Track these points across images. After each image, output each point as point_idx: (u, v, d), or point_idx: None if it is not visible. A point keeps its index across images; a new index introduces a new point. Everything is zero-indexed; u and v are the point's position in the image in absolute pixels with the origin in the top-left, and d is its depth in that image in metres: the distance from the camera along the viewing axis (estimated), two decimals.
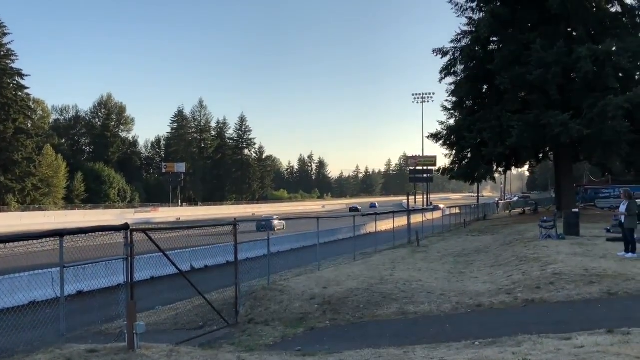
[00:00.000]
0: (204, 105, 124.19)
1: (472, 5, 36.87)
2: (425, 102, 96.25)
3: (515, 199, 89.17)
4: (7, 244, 6.43)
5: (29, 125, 76.95)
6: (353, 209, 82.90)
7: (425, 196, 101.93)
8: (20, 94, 74.88)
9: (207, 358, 6.71)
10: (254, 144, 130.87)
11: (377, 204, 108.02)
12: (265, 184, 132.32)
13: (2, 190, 69.71)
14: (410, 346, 6.97)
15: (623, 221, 13.94)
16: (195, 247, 19.03)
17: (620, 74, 31.17)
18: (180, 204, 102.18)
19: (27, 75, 75.11)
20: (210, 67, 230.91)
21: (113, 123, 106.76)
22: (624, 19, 34.42)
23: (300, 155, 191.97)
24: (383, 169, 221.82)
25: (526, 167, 54.72)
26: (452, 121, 38.98)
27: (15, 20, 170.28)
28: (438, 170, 46.66)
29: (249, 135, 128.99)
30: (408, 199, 62.99)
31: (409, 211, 29.61)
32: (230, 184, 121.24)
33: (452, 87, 38.44)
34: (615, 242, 15.75)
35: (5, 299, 10.20)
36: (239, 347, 8.32)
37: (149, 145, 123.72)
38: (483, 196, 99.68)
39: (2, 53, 72.79)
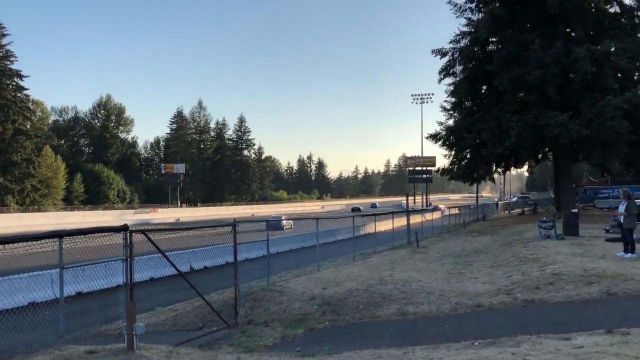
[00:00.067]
0: (203, 106, 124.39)
1: (471, 5, 36.91)
2: (424, 102, 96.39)
3: (515, 199, 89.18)
4: (7, 245, 6.42)
5: (28, 126, 76.93)
6: (355, 209, 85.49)
7: (424, 196, 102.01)
8: (19, 95, 74.86)
9: (206, 359, 6.71)
10: (253, 144, 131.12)
11: (377, 204, 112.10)
12: (264, 184, 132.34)
13: (1, 191, 69.66)
14: (410, 347, 6.97)
15: (622, 221, 13.94)
16: (194, 248, 19.02)
17: (619, 75, 31.17)
18: (179, 204, 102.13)
19: (26, 77, 75.21)
20: (210, 68, 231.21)
21: (112, 124, 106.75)
22: (622, 20, 34.43)
23: (300, 155, 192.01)
24: (382, 169, 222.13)
25: (525, 167, 54.67)
26: (451, 122, 39.04)
27: (14, 21, 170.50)
28: (437, 171, 46.68)
29: (248, 135, 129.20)
30: (407, 200, 62.95)
31: (408, 212, 29.62)
32: (230, 185, 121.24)
33: (451, 88, 38.48)
34: (615, 242, 15.76)
35: (4, 300, 10.20)
36: (238, 348, 8.32)
37: (148, 146, 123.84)
38: (482, 196, 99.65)
39: (1, 54, 72.78)
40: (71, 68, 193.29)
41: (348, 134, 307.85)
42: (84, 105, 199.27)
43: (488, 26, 33.09)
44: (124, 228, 7.40)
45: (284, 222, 39.11)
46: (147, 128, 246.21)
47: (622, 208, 14.02)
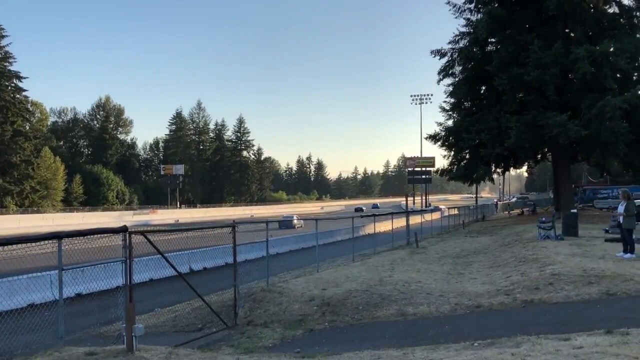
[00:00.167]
0: (202, 107, 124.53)
1: (470, 6, 36.98)
2: (423, 103, 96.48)
3: (514, 199, 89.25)
4: (6, 246, 6.41)
5: (27, 128, 76.89)
6: (358, 209, 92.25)
7: (423, 197, 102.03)
8: (18, 96, 74.83)
9: None
10: (253, 145, 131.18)
11: (378, 205, 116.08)
12: (263, 185, 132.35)
13: (0, 192, 69.61)
14: (410, 347, 6.96)
15: (621, 222, 13.94)
16: (193, 249, 19.00)
17: (618, 75, 31.23)
18: (178, 205, 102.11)
19: (25, 78, 75.24)
20: (209, 69, 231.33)
21: (111, 125, 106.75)
22: (621, 20, 34.48)
23: (299, 156, 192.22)
24: (381, 170, 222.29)
25: (524, 168, 54.73)
26: (450, 122, 39.10)
27: (13, 22, 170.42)
28: (437, 172, 46.71)
29: (248, 136, 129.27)
30: (407, 200, 62.81)
31: (407, 212, 29.60)
32: (229, 186, 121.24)
33: (451, 88, 38.54)
34: (614, 242, 15.77)
35: (3, 301, 10.19)
36: (237, 349, 8.31)
37: (148, 147, 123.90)
38: (482, 197, 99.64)
39: (0, 55, 72.74)
40: (70, 69, 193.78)
41: (347, 134, 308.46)
42: (83, 106, 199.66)
43: (487, 27, 33.13)
44: (123, 229, 7.39)
45: (295, 221, 41.66)
46: (146, 129, 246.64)
47: (621, 208, 14.02)
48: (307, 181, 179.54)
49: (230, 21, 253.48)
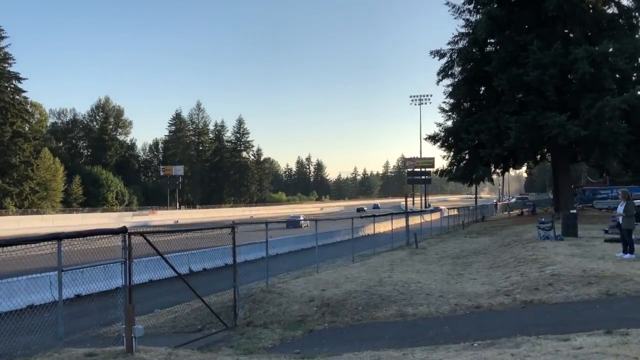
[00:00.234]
0: (201, 108, 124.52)
1: (469, 7, 37.00)
2: (422, 104, 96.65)
3: (513, 200, 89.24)
4: (5, 247, 6.40)
5: (27, 129, 76.84)
6: (360, 210, 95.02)
7: (423, 198, 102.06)
8: (17, 97, 74.79)
9: None
10: (252, 146, 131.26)
11: (379, 205, 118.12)
12: (263, 186, 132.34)
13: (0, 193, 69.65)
14: (409, 348, 6.96)
15: (621, 222, 13.95)
16: (193, 250, 19.00)
17: (617, 75, 31.25)
18: (178, 206, 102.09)
19: (24, 79, 75.21)
20: (208, 70, 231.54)
21: (111, 126, 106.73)
22: (620, 20, 34.50)
23: (298, 157, 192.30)
24: (381, 170, 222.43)
25: (524, 168, 54.73)
26: (449, 123, 39.13)
27: (13, 23, 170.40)
28: (436, 172, 46.71)
29: (247, 137, 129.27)
30: (406, 201, 62.87)
31: (407, 213, 29.63)
32: (229, 187, 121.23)
33: (450, 89, 38.56)
34: (613, 243, 15.78)
35: (3, 303, 10.19)
36: (237, 350, 8.30)
37: (147, 148, 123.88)
38: (481, 198, 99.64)
39: (0, 56, 72.70)
40: (69, 70, 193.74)
41: (347, 135, 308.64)
42: (83, 107, 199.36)
43: (486, 27, 33.15)
44: (122, 230, 7.39)
45: (302, 221, 43.74)
46: (146, 130, 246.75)
47: (620, 209, 14.03)
48: (307, 182, 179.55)
49: (229, 22, 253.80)
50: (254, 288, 12.52)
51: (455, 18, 37.74)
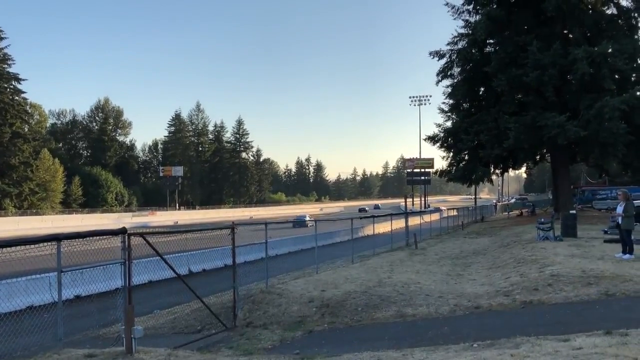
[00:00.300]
0: (201, 108, 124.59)
1: (468, 7, 37.00)
2: (422, 104, 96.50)
3: (513, 200, 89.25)
4: (4, 248, 6.40)
5: (26, 130, 76.87)
6: (362, 210, 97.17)
7: (422, 198, 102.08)
8: (17, 98, 74.82)
9: None
10: (252, 147, 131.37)
11: (380, 206, 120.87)
12: (262, 187, 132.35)
13: None
14: (409, 349, 6.96)
15: (620, 222, 13.95)
16: (193, 250, 19.01)
17: (617, 76, 31.24)
18: (177, 207, 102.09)
19: (24, 80, 75.28)
20: (208, 71, 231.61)
21: (110, 127, 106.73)
22: (619, 21, 34.52)
23: (298, 158, 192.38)
24: (380, 171, 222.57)
25: (523, 169, 54.78)
26: (449, 123, 39.14)
27: (12, 23, 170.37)
28: (435, 173, 46.71)
29: (247, 138, 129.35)
30: (405, 202, 63.05)
31: (406, 213, 29.66)
32: (228, 187, 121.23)
33: (449, 90, 38.57)
34: (613, 243, 15.78)
35: (2, 304, 10.19)
36: (237, 351, 8.31)
37: (147, 149, 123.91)
38: (480, 198, 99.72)
39: None
40: (69, 72, 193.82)
41: (346, 136, 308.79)
42: (82, 108, 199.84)
43: (485, 28, 33.15)
44: (122, 231, 7.39)
45: (308, 221, 46.13)
46: (145, 131, 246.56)
47: (620, 209, 14.02)
48: (306, 182, 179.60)
49: (229, 23, 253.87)
50: (254, 289, 12.52)
51: (455, 19, 37.80)
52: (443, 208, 63.01)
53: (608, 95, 29.03)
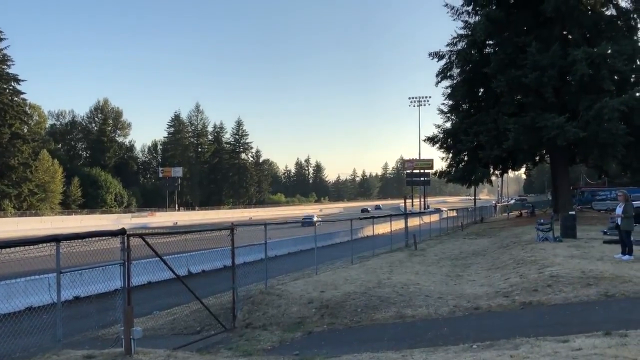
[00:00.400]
0: (200, 109, 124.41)
1: (467, 8, 37.02)
2: (421, 105, 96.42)
3: (512, 201, 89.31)
4: (4, 249, 6.40)
5: (25, 131, 76.74)
6: (364, 210, 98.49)
7: (422, 199, 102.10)
8: (16, 99, 74.71)
9: None
10: (251, 148, 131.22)
11: (381, 206, 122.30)
12: (262, 188, 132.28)
13: None
14: (408, 350, 6.96)
15: (620, 223, 13.95)
16: (192, 251, 19.01)
17: (616, 77, 31.28)
18: (177, 208, 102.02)
19: (23, 81, 75.09)
20: (207, 72, 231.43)
21: (110, 128, 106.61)
22: (618, 22, 34.54)
23: (297, 159, 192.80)
24: (380, 172, 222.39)
25: (523, 169, 54.83)
26: (448, 124, 39.20)
27: (11, 24, 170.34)
28: (435, 174, 46.73)
29: (246, 139, 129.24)
30: (405, 203, 62.99)
31: (406, 214, 29.66)
32: (227, 188, 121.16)
33: (449, 91, 38.63)
34: (612, 244, 15.79)
35: (1, 304, 10.17)
36: (236, 352, 8.30)
37: (146, 149, 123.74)
38: (480, 199, 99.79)
39: None
40: (68, 71, 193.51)
41: (346, 137, 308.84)
42: (81, 109, 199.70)
43: (485, 29, 33.18)
44: (121, 232, 7.39)
45: (315, 219, 50.82)
46: (145, 132, 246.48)
47: (619, 210, 14.03)
48: (306, 183, 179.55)
49: (228, 24, 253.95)
50: (253, 290, 12.52)
51: (454, 20, 37.83)
52: (444, 209, 63.05)
53: (607, 96, 29.05)
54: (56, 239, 6.76)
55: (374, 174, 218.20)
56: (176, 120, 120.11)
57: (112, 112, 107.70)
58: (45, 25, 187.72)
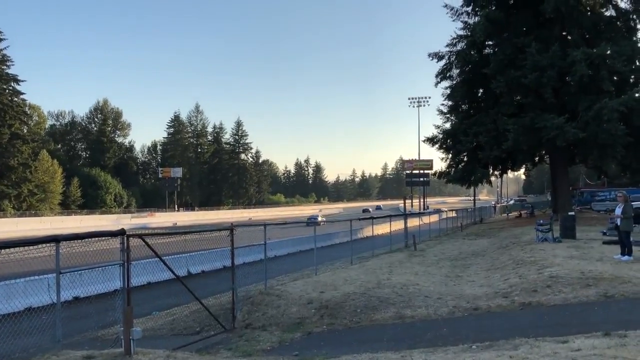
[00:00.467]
0: (200, 110, 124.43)
1: (467, 9, 37.05)
2: (421, 106, 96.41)
3: (512, 202, 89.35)
4: (3, 249, 6.40)
5: (25, 131, 76.71)
6: (365, 210, 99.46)
7: (421, 200, 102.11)
8: (16, 99, 74.69)
9: None
10: (251, 148, 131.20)
11: (382, 207, 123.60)
12: (262, 188, 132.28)
13: None
14: (408, 350, 6.96)
15: (619, 224, 13.97)
16: (192, 252, 19.01)
17: (615, 77, 31.33)
18: (176, 209, 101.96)
19: (22, 81, 75.05)
20: (207, 72, 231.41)
21: (109, 128, 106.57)
22: (618, 23, 34.58)
23: (297, 159, 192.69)
24: (379, 172, 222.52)
25: (522, 170, 54.91)
26: (448, 125, 39.21)
27: (11, 24, 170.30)
28: (434, 174, 46.75)
29: (246, 139, 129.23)
30: (405, 203, 63.09)
31: (405, 215, 29.67)
32: (227, 189, 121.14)
33: (448, 91, 38.64)
34: (612, 244, 15.80)
35: (1, 305, 10.17)
36: (236, 352, 8.30)
37: (146, 150, 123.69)
38: (479, 200, 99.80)
39: None
40: (68, 72, 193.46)
41: (345, 137, 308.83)
42: (81, 109, 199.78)
43: (484, 29, 33.20)
44: (121, 232, 7.39)
45: (320, 219, 53.59)
46: (144, 132, 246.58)
47: (618, 211, 14.04)
48: (305, 184, 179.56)
49: (228, 25, 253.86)
50: (253, 290, 12.52)
51: (454, 20, 37.86)
52: (444, 209, 63.06)
53: (607, 97, 29.07)
54: (56, 239, 6.76)
55: (373, 175, 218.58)
56: (176, 121, 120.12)
57: (111, 113, 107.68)
58: (45, 25, 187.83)
